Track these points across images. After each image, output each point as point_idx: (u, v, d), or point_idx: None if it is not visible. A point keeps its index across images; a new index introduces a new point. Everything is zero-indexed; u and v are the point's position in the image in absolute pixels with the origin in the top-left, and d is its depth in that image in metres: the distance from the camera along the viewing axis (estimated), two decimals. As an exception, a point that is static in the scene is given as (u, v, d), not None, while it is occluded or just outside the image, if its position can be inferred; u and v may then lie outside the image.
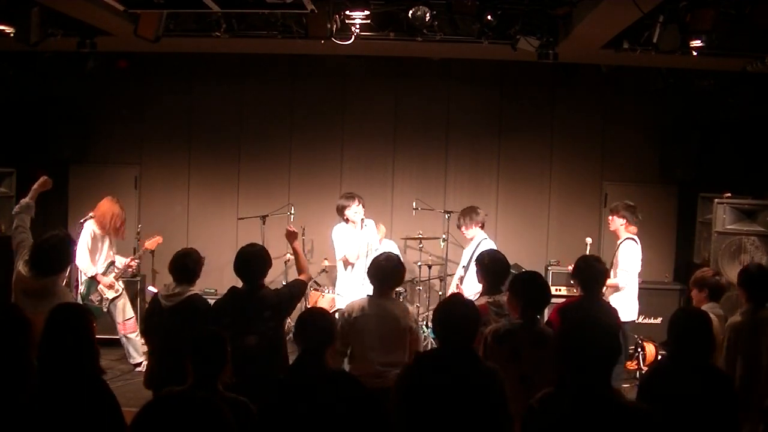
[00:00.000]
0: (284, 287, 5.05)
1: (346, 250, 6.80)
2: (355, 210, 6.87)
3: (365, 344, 4.58)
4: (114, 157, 9.09)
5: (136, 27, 5.96)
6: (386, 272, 4.75)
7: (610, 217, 6.66)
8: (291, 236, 5.34)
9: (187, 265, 4.94)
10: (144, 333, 5.46)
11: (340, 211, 6.94)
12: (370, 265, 4.87)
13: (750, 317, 4.61)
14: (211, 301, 5.15)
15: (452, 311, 3.58)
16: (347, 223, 6.92)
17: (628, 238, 6.48)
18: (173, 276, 4.96)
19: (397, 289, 7.68)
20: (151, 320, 5.04)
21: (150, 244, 7.44)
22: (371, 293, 4.85)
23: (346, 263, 6.84)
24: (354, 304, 4.75)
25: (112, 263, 7.26)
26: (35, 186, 5.67)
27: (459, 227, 7.02)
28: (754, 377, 4.48)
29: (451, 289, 6.99)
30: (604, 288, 6.27)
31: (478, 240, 6.89)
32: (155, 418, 1.87)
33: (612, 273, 6.26)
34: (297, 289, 4.98)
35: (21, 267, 5.07)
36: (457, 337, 3.50)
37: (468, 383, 3.39)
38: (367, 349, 4.58)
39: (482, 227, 6.96)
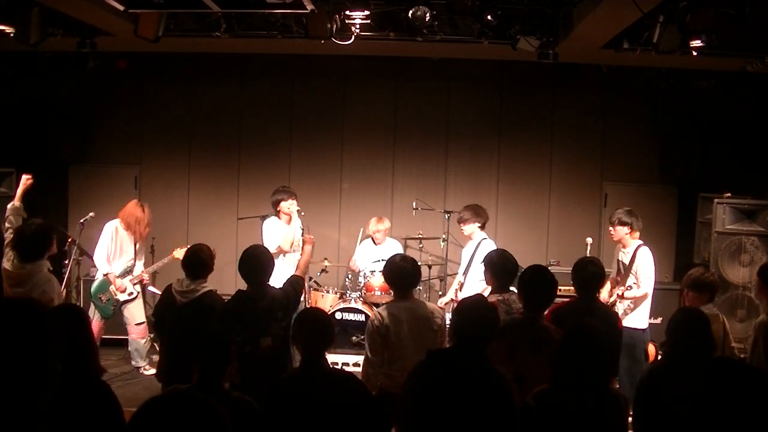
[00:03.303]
0: (287, 285, 5.02)
1: (279, 240, 6.79)
2: (289, 204, 6.97)
3: (402, 352, 4.44)
4: (114, 157, 9.10)
5: (136, 27, 5.96)
6: (406, 272, 4.62)
7: (611, 230, 6.31)
8: (309, 241, 5.63)
9: (202, 261, 4.98)
10: (155, 327, 5.48)
11: (275, 204, 7.05)
12: (387, 268, 4.73)
13: None
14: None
15: (473, 312, 3.58)
16: (279, 217, 7.02)
17: (640, 245, 6.20)
18: (186, 272, 4.99)
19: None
20: (164, 315, 5.05)
21: (179, 253, 6.78)
22: (392, 299, 4.72)
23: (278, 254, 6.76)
24: (381, 314, 4.55)
25: (132, 269, 7.17)
26: (19, 189, 6.01)
27: (459, 221, 7.02)
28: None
29: (449, 296, 6.93)
30: (620, 295, 6.11)
31: (478, 240, 6.88)
32: (149, 417, 1.87)
33: (628, 282, 6.12)
34: (299, 286, 5.04)
35: (4, 262, 5.31)
36: (474, 338, 3.50)
37: (478, 383, 3.39)
38: (406, 357, 4.40)
39: (482, 228, 6.96)
